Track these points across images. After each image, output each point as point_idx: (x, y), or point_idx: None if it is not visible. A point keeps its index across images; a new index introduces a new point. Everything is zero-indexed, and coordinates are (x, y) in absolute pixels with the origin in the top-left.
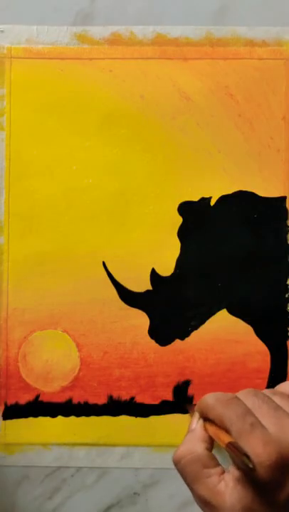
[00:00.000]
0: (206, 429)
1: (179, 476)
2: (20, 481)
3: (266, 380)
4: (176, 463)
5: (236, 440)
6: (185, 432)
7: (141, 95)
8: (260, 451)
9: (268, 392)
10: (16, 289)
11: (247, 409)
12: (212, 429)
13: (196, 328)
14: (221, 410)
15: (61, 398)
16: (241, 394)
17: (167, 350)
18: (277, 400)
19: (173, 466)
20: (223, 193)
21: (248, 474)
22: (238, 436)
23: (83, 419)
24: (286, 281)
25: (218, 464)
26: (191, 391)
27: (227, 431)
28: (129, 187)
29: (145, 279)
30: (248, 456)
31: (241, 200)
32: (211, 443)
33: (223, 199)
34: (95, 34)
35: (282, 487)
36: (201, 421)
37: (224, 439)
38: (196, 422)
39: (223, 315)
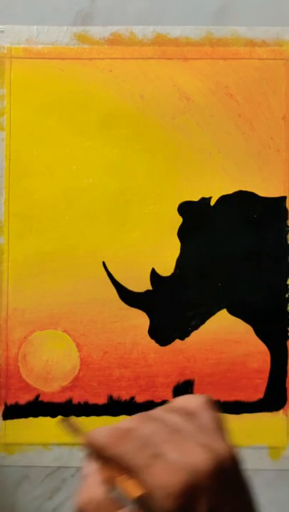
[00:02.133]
0: (102, 471)
1: None
2: (20, 481)
3: (266, 379)
4: None
5: (140, 476)
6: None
7: (141, 95)
8: (165, 483)
9: (161, 411)
10: (16, 289)
11: (143, 440)
12: (110, 473)
13: (196, 328)
14: (117, 450)
15: (61, 398)
16: (134, 421)
17: (167, 350)
18: (172, 419)
19: None
20: (223, 193)
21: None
22: (141, 473)
23: (83, 419)
24: (286, 281)
25: (121, 507)
26: (192, 391)
27: (128, 470)
28: (129, 187)
29: (145, 279)
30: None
31: (241, 200)
32: (112, 482)
33: (223, 199)
34: (95, 34)
35: None
36: (94, 463)
37: (132, 492)
38: (87, 466)
39: (223, 315)
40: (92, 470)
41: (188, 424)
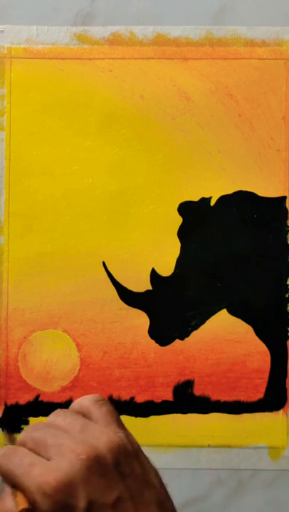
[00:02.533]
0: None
1: (178, 476)
2: None
3: (266, 379)
4: None
5: (22, 487)
6: (186, 432)
7: (141, 95)
8: (39, 483)
9: (53, 415)
10: (16, 289)
11: (26, 452)
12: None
13: (196, 328)
14: (4, 467)
15: (61, 398)
16: (23, 435)
17: (167, 350)
18: (59, 422)
19: (172, 466)
20: (223, 193)
21: None
22: (22, 483)
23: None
24: (286, 281)
25: None
26: (192, 391)
27: (16, 485)
28: (129, 187)
29: (145, 279)
30: None
31: (241, 200)
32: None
33: (223, 199)
34: (95, 34)
35: (73, 509)
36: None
37: (18, 506)
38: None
39: (223, 315)
40: (6, 490)
41: (74, 424)
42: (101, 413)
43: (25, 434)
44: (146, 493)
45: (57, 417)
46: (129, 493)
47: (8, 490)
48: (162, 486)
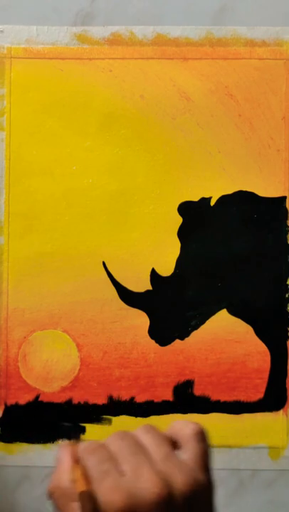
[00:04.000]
0: (74, 467)
1: None
2: (20, 481)
3: (266, 379)
4: (49, 497)
5: (94, 488)
6: None
7: (141, 95)
8: (107, 499)
9: (143, 430)
10: (16, 289)
11: (108, 456)
12: (78, 473)
13: (196, 328)
14: (85, 458)
15: (61, 398)
16: (110, 439)
17: (167, 350)
18: (146, 441)
19: None
20: (223, 193)
21: None
22: (94, 486)
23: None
24: (286, 281)
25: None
26: (192, 391)
27: (89, 479)
28: (129, 187)
29: (145, 279)
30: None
31: (241, 200)
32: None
33: (223, 199)
34: (95, 34)
35: None
36: (69, 453)
37: (80, 486)
38: (63, 453)
39: (223, 315)
40: (66, 458)
41: (160, 449)
42: (195, 450)
43: (114, 437)
44: None
45: (147, 432)
46: None
47: (64, 465)
48: None
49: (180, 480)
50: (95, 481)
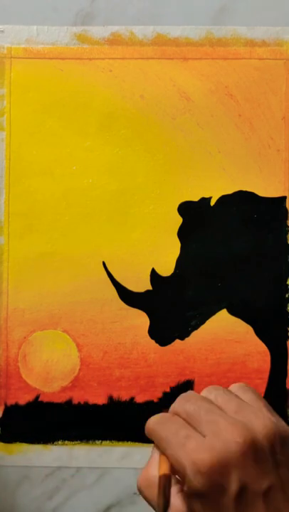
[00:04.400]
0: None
1: None
2: (20, 481)
3: (266, 380)
4: (138, 490)
5: (174, 458)
6: None
7: (141, 95)
8: (194, 459)
9: (206, 391)
10: (16, 289)
11: (183, 423)
12: (158, 455)
13: (196, 328)
14: (159, 433)
15: (61, 398)
16: (177, 403)
17: (167, 350)
18: (215, 398)
19: None
20: (223, 193)
21: (187, 487)
22: (174, 453)
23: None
24: (286, 281)
25: (174, 484)
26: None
27: (165, 453)
28: (129, 187)
29: (145, 279)
30: (166, 500)
31: (241, 200)
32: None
33: (223, 199)
34: (95, 34)
35: (224, 491)
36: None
37: (160, 469)
38: (153, 446)
39: (223, 315)
40: (154, 450)
41: (230, 402)
42: (249, 398)
43: (178, 404)
44: None
45: (209, 393)
46: (281, 483)
47: (153, 457)
48: None
49: (258, 424)
50: (175, 450)
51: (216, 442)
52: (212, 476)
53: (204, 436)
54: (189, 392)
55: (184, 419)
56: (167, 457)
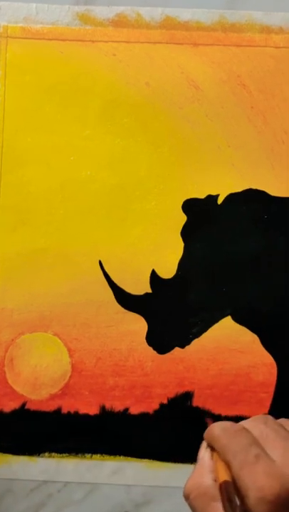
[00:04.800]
0: (213, 459)
1: (173, 495)
2: (2, 495)
3: (271, 394)
4: (186, 498)
5: (237, 474)
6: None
7: (146, 82)
8: (262, 484)
9: (280, 420)
10: (5, 288)
11: (253, 440)
12: (217, 461)
13: (197, 335)
14: (226, 441)
15: (49, 407)
16: (250, 422)
17: (166, 358)
18: (285, 424)
19: (167, 484)
20: (232, 191)
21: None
22: (239, 469)
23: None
24: None
25: (218, 498)
26: (190, 404)
27: (228, 464)
28: (131, 181)
29: (144, 281)
30: (230, 502)
31: (251, 199)
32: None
33: (232, 197)
34: (99, 14)
35: None
36: (208, 450)
37: (220, 476)
38: (203, 451)
39: (227, 322)
40: (205, 456)
41: None
42: None
43: (254, 423)
44: None
45: (277, 423)
46: None
47: (204, 463)
48: None
49: None
50: (241, 466)
51: (286, 472)
52: (277, 505)
53: (272, 460)
54: (262, 415)
55: (256, 439)
56: (229, 470)
